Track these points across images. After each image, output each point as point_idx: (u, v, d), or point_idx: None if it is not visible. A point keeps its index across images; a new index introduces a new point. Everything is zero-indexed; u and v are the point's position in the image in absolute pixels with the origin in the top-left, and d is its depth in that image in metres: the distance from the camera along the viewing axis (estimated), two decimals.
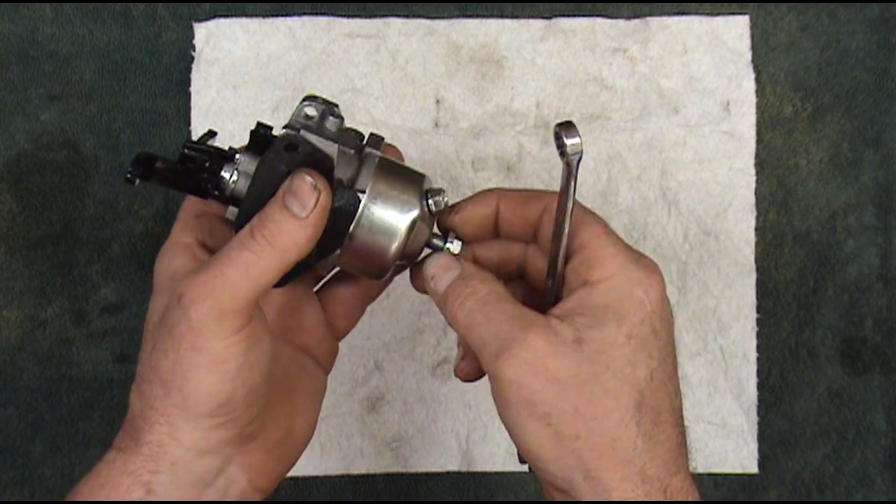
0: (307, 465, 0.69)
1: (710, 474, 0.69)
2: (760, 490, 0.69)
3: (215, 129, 0.47)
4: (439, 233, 0.49)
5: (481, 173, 0.69)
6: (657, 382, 0.42)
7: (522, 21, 0.70)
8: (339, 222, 0.44)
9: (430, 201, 0.47)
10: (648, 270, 0.43)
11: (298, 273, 0.44)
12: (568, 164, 0.43)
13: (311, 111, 0.45)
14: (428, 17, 0.70)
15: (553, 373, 0.41)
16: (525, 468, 0.69)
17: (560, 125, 0.42)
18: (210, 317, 0.40)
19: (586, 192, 0.69)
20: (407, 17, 0.70)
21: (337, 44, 0.70)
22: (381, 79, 0.69)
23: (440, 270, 0.47)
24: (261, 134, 0.45)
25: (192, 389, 0.41)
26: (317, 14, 0.70)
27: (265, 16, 0.70)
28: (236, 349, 0.41)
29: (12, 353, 0.69)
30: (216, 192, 0.45)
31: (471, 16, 0.70)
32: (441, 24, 0.70)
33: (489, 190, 0.49)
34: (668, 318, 0.44)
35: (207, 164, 0.44)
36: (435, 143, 0.69)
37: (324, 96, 0.46)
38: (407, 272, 0.50)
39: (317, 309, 0.51)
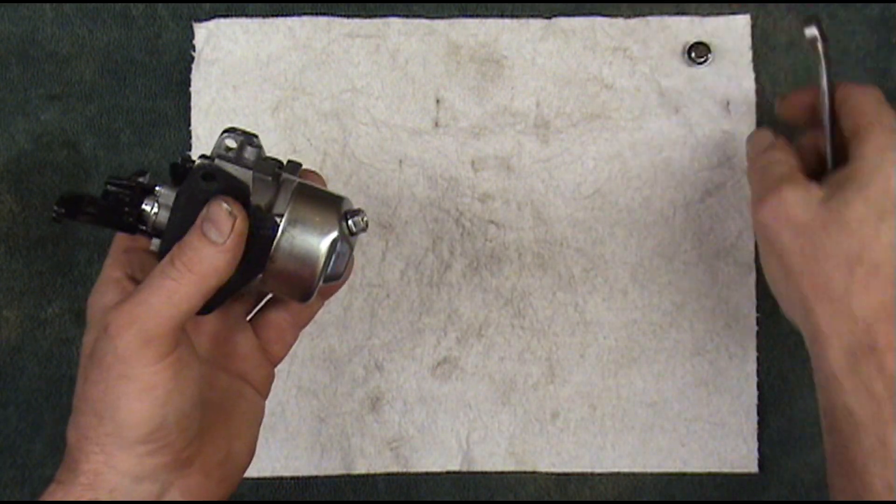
0: (307, 465, 0.69)
1: (709, 474, 0.69)
2: (760, 490, 0.69)
3: (145, 169, 0.49)
4: None
5: (481, 173, 0.69)
6: (884, 242, 0.47)
7: (522, 21, 0.70)
8: (259, 247, 0.45)
9: (350, 222, 0.48)
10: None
11: (223, 299, 0.45)
12: (813, 51, 0.53)
13: (230, 142, 0.47)
14: (428, 17, 0.70)
15: (793, 220, 0.50)
16: (525, 468, 0.69)
17: (804, 19, 0.55)
18: (136, 344, 0.42)
19: (586, 191, 0.69)
20: (407, 16, 0.70)
21: (337, 44, 0.70)
22: (381, 79, 0.69)
23: (761, 140, 0.58)
24: (178, 165, 0.47)
25: (124, 417, 0.42)
26: (317, 14, 0.70)
27: (265, 16, 0.70)
28: (164, 375, 0.42)
29: (12, 353, 0.69)
30: (141, 227, 0.46)
31: (471, 15, 0.70)
32: (441, 24, 0.70)
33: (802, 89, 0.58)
34: None
35: (129, 199, 0.46)
36: (435, 142, 0.69)
37: (243, 128, 0.48)
38: (340, 291, 0.53)
39: (250, 336, 0.52)
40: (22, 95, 0.69)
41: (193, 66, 0.69)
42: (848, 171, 0.50)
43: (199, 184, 0.45)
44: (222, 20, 0.69)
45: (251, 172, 0.45)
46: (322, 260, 0.47)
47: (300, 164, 0.49)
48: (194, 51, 0.69)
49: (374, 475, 0.69)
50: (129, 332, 0.41)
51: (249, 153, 0.47)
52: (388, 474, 0.69)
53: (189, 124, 0.69)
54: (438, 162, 0.69)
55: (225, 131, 0.48)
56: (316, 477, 0.69)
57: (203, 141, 0.69)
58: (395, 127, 0.69)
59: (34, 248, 0.69)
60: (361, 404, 0.69)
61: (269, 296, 0.55)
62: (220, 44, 0.69)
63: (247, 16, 0.70)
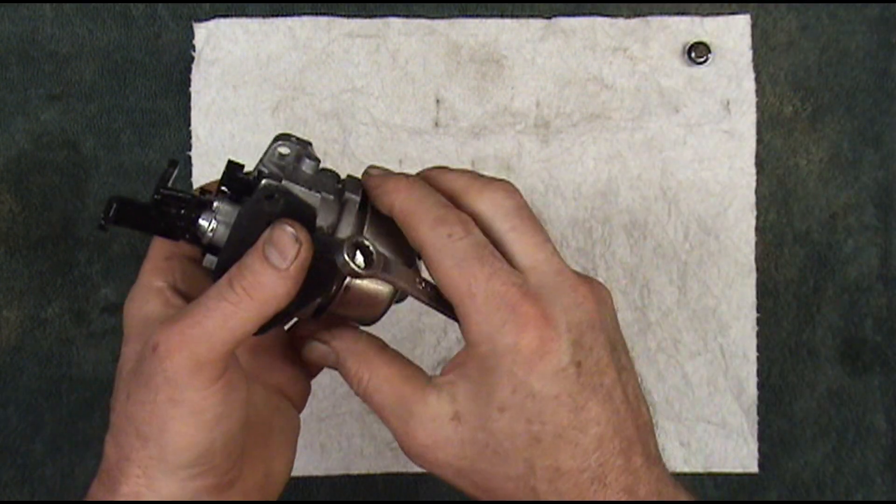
0: (307, 465, 0.69)
1: (709, 474, 0.69)
2: (760, 490, 0.69)
3: (176, 159, 0.46)
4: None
5: (481, 173, 0.69)
6: (549, 442, 0.41)
7: (522, 20, 0.70)
8: (323, 272, 0.43)
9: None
10: (520, 328, 0.41)
11: (277, 322, 0.43)
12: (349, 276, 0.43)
13: (284, 150, 0.45)
14: (428, 17, 0.70)
15: (443, 461, 0.43)
16: None
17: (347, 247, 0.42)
18: (187, 368, 0.40)
19: (586, 191, 0.69)
20: (407, 16, 0.70)
21: (337, 44, 0.70)
22: (381, 78, 0.69)
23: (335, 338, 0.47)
24: (237, 178, 0.44)
25: (170, 441, 0.41)
26: (317, 14, 0.70)
27: (265, 16, 0.70)
28: (214, 399, 0.41)
29: (12, 353, 0.69)
30: (187, 236, 0.44)
31: (471, 15, 0.70)
32: (441, 24, 0.70)
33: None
34: (551, 369, 0.41)
35: (184, 212, 0.44)
36: (435, 142, 0.69)
37: (297, 135, 0.46)
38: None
39: (287, 349, 0.50)
40: (22, 95, 0.69)
41: (193, 66, 0.69)
42: (466, 365, 0.42)
43: (264, 203, 0.42)
44: (222, 20, 0.69)
45: (318, 195, 0.43)
46: (392, 290, 0.45)
47: (359, 181, 0.46)
48: (194, 51, 0.69)
49: (374, 475, 0.69)
50: (180, 354, 0.40)
51: (307, 166, 0.44)
52: (388, 474, 0.69)
53: (189, 124, 0.69)
54: (438, 162, 0.69)
55: (278, 138, 0.45)
56: (316, 477, 0.69)
57: (203, 141, 0.69)
58: (395, 127, 0.69)
59: (34, 248, 0.69)
60: (361, 404, 0.69)
61: None
62: (220, 44, 0.69)
63: (247, 16, 0.70)
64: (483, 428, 0.41)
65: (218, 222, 0.44)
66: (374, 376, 0.44)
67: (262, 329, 0.42)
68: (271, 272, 0.41)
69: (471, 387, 0.42)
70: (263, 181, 0.43)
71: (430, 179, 0.45)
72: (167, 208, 0.43)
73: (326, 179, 0.45)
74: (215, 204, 0.44)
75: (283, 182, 0.43)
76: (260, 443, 0.46)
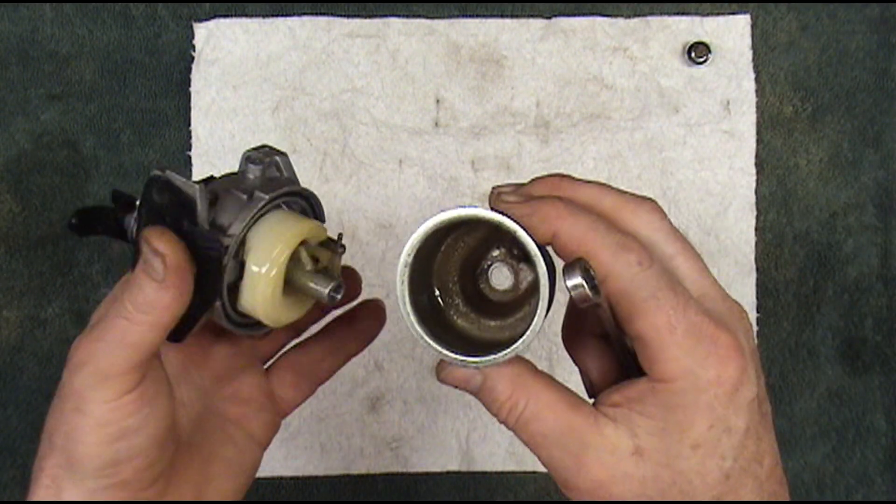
0: (307, 465, 0.69)
1: None
2: None
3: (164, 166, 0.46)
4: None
5: (481, 173, 0.69)
6: (736, 477, 0.39)
7: (522, 20, 0.70)
8: (211, 270, 0.41)
9: (305, 255, 0.43)
10: (722, 360, 0.38)
11: (188, 327, 0.42)
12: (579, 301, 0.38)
13: (253, 155, 0.45)
14: (428, 17, 0.70)
15: (619, 497, 0.39)
16: (525, 468, 0.69)
17: (564, 267, 0.38)
18: (91, 381, 0.40)
19: None
20: (407, 16, 0.70)
21: (337, 44, 0.69)
22: (381, 79, 0.69)
23: (461, 382, 0.42)
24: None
25: (74, 450, 0.40)
26: (317, 14, 0.70)
27: (265, 16, 0.69)
28: (121, 413, 0.40)
29: (12, 353, 0.69)
30: (126, 237, 0.45)
31: (471, 15, 0.70)
32: (441, 24, 0.70)
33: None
34: (745, 401, 0.39)
35: (113, 214, 0.45)
36: (435, 142, 0.69)
37: (271, 146, 0.46)
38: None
39: (258, 379, 0.49)
40: (22, 95, 0.69)
41: (193, 66, 0.69)
42: (652, 399, 0.39)
43: (154, 196, 0.42)
44: (222, 20, 0.69)
45: (197, 186, 0.41)
46: (260, 292, 0.42)
47: (285, 182, 0.44)
48: (194, 51, 0.69)
49: (374, 475, 0.69)
50: (86, 367, 0.40)
51: (251, 171, 0.44)
52: (388, 474, 0.69)
53: (189, 124, 0.69)
54: (438, 162, 0.69)
55: (252, 149, 0.45)
56: (316, 477, 0.69)
57: (203, 141, 0.69)
58: (395, 127, 0.69)
59: (34, 248, 0.69)
60: (361, 404, 0.69)
61: (293, 343, 0.51)
62: (220, 44, 0.69)
63: (247, 16, 0.70)
64: (669, 466, 0.38)
65: (137, 220, 0.44)
66: (534, 402, 0.40)
67: (175, 336, 0.42)
68: (153, 285, 0.40)
69: (654, 423, 0.38)
70: (152, 173, 0.43)
71: (568, 196, 0.41)
72: (99, 215, 0.45)
73: (268, 183, 0.44)
74: (137, 202, 0.44)
75: (167, 172, 0.42)
76: (195, 467, 0.45)
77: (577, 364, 0.45)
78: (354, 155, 0.69)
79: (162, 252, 0.40)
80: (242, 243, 0.42)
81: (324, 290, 0.42)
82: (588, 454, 0.39)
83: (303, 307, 0.45)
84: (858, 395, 0.70)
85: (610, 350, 0.44)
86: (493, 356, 0.39)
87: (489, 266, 0.44)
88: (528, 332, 0.38)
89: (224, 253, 0.41)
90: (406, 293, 0.39)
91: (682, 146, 0.69)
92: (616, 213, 0.41)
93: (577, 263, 0.37)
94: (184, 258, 0.40)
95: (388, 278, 0.69)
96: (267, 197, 0.42)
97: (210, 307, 0.42)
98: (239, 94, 0.69)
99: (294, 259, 0.42)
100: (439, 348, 0.39)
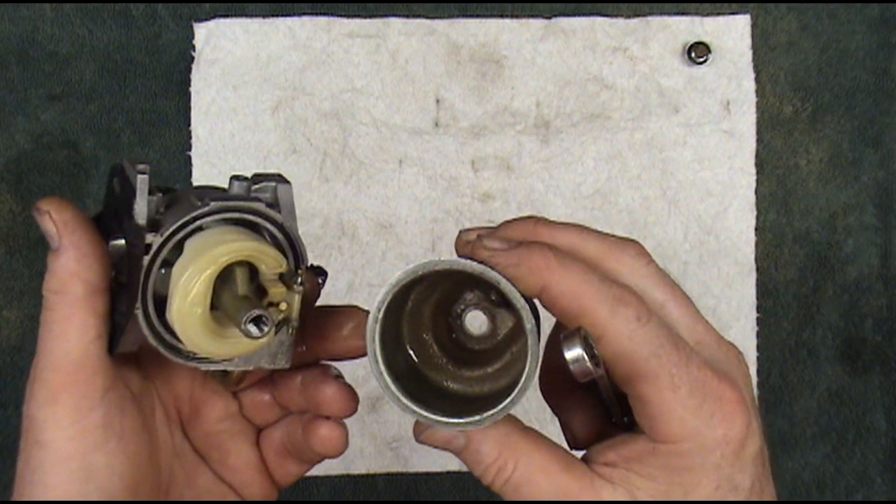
0: None
1: None
2: None
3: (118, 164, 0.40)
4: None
5: (481, 173, 0.69)
6: None
7: (522, 20, 0.70)
8: (134, 269, 0.37)
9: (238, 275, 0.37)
10: (728, 418, 0.36)
11: (119, 334, 0.37)
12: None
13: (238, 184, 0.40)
14: (428, 17, 0.70)
15: None
16: None
17: (563, 337, 0.35)
18: (42, 399, 0.36)
19: (586, 191, 0.69)
20: (407, 16, 0.70)
21: (337, 44, 0.70)
22: (381, 79, 0.69)
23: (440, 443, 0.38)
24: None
25: (38, 495, 0.36)
26: (317, 14, 0.70)
27: (265, 16, 0.69)
28: (82, 444, 0.36)
29: (12, 353, 0.69)
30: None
31: (471, 15, 0.70)
32: (441, 24, 0.70)
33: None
34: (750, 457, 0.36)
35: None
36: (435, 142, 0.69)
37: (271, 172, 0.41)
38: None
39: (248, 452, 0.43)
40: (22, 95, 0.69)
41: (193, 66, 0.69)
42: (652, 460, 0.36)
43: (113, 183, 0.38)
44: (222, 20, 0.69)
45: (139, 177, 0.36)
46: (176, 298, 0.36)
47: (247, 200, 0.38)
48: (194, 51, 0.69)
49: (374, 475, 0.69)
50: (36, 384, 0.37)
51: (235, 188, 0.39)
52: (388, 474, 0.69)
53: (189, 124, 0.69)
54: (438, 162, 0.69)
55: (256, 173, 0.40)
56: (316, 477, 0.69)
57: (203, 141, 0.69)
58: (395, 127, 0.69)
59: (34, 248, 0.69)
60: (361, 404, 0.69)
61: (281, 419, 0.44)
62: (220, 44, 0.69)
63: (247, 16, 0.70)
64: None
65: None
66: (525, 465, 0.36)
67: (112, 347, 0.37)
68: (54, 258, 0.36)
69: (656, 486, 0.36)
70: (115, 162, 0.39)
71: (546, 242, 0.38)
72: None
73: (238, 190, 0.39)
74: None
75: (124, 160, 0.38)
76: None
77: (557, 415, 0.42)
78: (354, 155, 0.69)
79: (45, 209, 0.36)
80: (180, 252, 0.36)
81: (240, 315, 0.35)
82: None
83: (242, 343, 0.37)
84: (858, 395, 0.70)
85: (594, 401, 0.41)
86: (476, 418, 0.35)
87: (462, 311, 0.40)
88: (515, 392, 0.35)
89: (145, 251, 0.36)
90: (378, 351, 0.36)
91: (682, 146, 0.69)
92: (600, 260, 0.38)
93: (576, 333, 0.34)
94: (74, 213, 0.36)
95: (388, 278, 0.69)
96: (217, 204, 0.37)
97: (131, 313, 0.36)
98: (239, 94, 0.69)
99: (227, 279, 0.36)
100: (417, 409, 0.36)
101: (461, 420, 0.36)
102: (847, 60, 0.70)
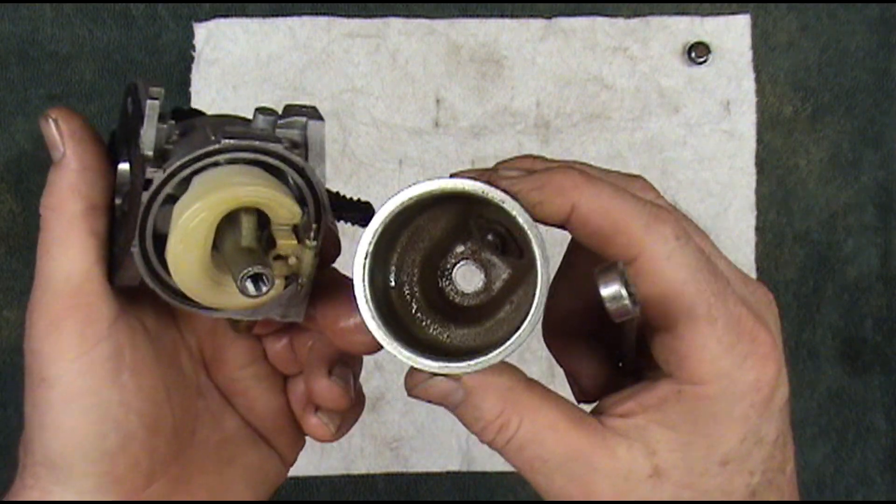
0: (307, 465, 0.69)
1: None
2: None
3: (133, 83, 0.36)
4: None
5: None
6: (761, 493, 0.33)
7: (522, 21, 0.70)
8: (133, 202, 0.33)
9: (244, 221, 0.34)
10: (762, 362, 0.33)
11: (119, 261, 0.34)
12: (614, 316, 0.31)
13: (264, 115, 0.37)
14: (428, 17, 0.70)
15: None
16: None
17: (598, 271, 0.31)
18: (44, 328, 0.34)
19: None
20: (407, 16, 0.70)
21: (337, 44, 0.70)
22: (381, 78, 0.69)
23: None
24: (180, 111, 0.38)
25: (51, 438, 0.33)
26: (317, 14, 0.70)
27: (265, 16, 0.69)
28: (93, 376, 0.33)
29: (12, 353, 0.69)
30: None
31: (471, 15, 0.70)
32: (441, 24, 0.70)
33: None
34: (778, 407, 0.34)
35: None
36: (435, 142, 0.69)
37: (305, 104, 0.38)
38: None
39: (275, 399, 0.40)
40: (22, 95, 0.69)
41: (193, 66, 0.69)
42: (677, 408, 0.32)
43: (127, 104, 0.35)
44: (222, 20, 0.69)
45: (148, 102, 0.32)
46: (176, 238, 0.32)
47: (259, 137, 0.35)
48: (194, 51, 0.69)
49: (374, 475, 0.69)
50: (33, 315, 0.34)
51: (260, 121, 0.36)
52: (388, 474, 0.69)
53: None
54: (438, 162, 0.69)
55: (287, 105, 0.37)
56: (316, 477, 0.69)
57: None
58: (395, 127, 0.69)
59: (34, 248, 0.69)
60: None
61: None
62: (220, 44, 0.69)
63: (247, 16, 0.70)
64: (692, 486, 0.32)
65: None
66: (529, 421, 0.33)
67: (112, 277, 0.34)
68: (55, 171, 0.34)
69: (677, 437, 0.32)
70: (129, 81, 0.36)
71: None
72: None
73: (263, 125, 0.36)
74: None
75: (138, 79, 0.35)
76: (210, 470, 0.38)
77: (563, 367, 0.39)
78: (354, 155, 0.69)
79: (53, 116, 0.34)
80: (187, 184, 0.33)
81: (237, 270, 0.31)
82: (598, 481, 0.32)
83: (240, 298, 0.33)
84: (858, 395, 0.70)
85: (602, 351, 0.38)
86: (480, 359, 0.32)
87: (454, 266, 0.37)
88: (524, 325, 0.31)
89: (146, 185, 0.32)
90: (366, 290, 0.32)
91: (683, 146, 0.69)
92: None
93: (613, 268, 0.30)
94: (82, 125, 0.34)
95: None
96: (229, 143, 0.33)
97: (128, 248, 0.33)
98: (239, 94, 0.69)
99: (234, 224, 0.33)
100: (409, 354, 0.32)
101: (461, 363, 0.32)
102: (847, 60, 0.70)
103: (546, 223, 0.32)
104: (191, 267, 0.32)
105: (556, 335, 0.38)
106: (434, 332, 0.36)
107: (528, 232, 0.32)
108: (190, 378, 0.38)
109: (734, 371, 0.32)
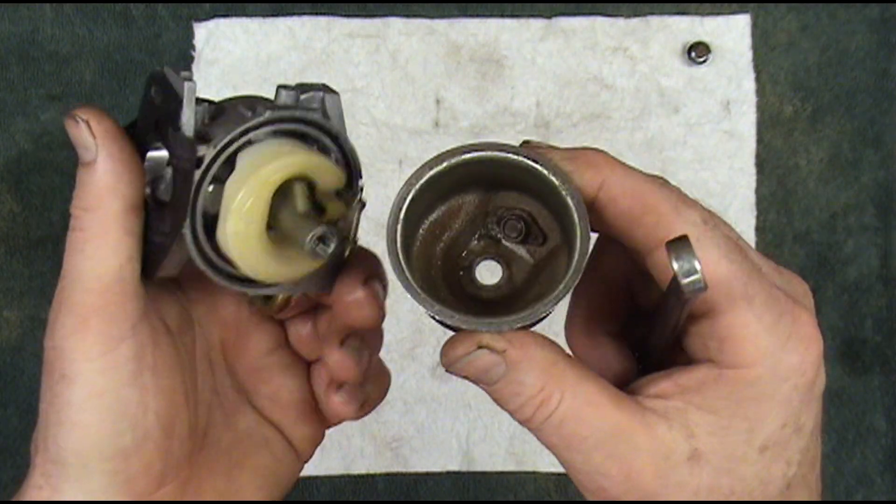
0: (307, 465, 0.68)
1: None
2: None
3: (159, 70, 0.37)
4: None
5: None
6: (795, 487, 0.33)
7: (522, 20, 0.70)
8: (181, 184, 0.33)
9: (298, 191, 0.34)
10: (805, 343, 0.32)
11: (163, 254, 0.34)
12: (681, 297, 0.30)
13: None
14: (428, 17, 0.70)
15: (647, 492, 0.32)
16: (525, 468, 0.69)
17: (671, 243, 0.30)
18: (70, 326, 0.33)
19: None
20: (407, 17, 0.70)
21: (337, 44, 0.70)
22: (381, 79, 0.69)
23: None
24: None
25: (67, 435, 0.33)
26: (317, 14, 0.70)
27: (265, 16, 0.69)
28: (114, 375, 0.33)
29: (12, 353, 0.69)
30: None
31: (471, 15, 0.70)
32: (441, 24, 0.70)
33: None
34: (818, 395, 0.33)
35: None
36: (435, 142, 0.69)
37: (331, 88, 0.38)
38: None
39: (299, 385, 0.40)
40: (22, 95, 0.69)
41: (193, 66, 0.69)
42: (717, 391, 0.32)
43: (151, 92, 0.35)
44: (222, 20, 0.69)
45: (185, 84, 0.33)
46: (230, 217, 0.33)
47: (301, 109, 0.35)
48: (194, 51, 0.69)
49: (374, 475, 0.69)
50: (62, 311, 0.33)
51: (284, 97, 0.36)
52: (388, 474, 0.69)
53: None
54: None
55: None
56: (316, 477, 0.69)
57: None
58: (395, 127, 0.69)
59: (34, 248, 0.69)
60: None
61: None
62: (220, 44, 0.69)
63: (247, 16, 0.70)
64: (731, 472, 0.31)
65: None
66: (570, 397, 0.32)
67: (146, 271, 0.35)
68: (87, 172, 0.34)
69: (717, 420, 0.31)
70: (153, 69, 0.37)
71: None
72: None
73: (293, 103, 0.36)
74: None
75: (165, 67, 0.35)
76: (220, 471, 0.38)
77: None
78: None
79: (84, 117, 0.34)
80: (231, 166, 0.33)
81: (305, 235, 0.33)
82: (638, 459, 0.32)
83: (301, 263, 0.35)
84: (858, 395, 0.70)
85: (625, 350, 0.37)
86: (525, 312, 0.31)
87: (473, 261, 0.36)
88: (570, 272, 0.31)
89: (196, 165, 0.33)
90: (400, 250, 0.33)
91: (683, 146, 0.69)
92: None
93: (686, 241, 0.29)
94: (113, 124, 0.34)
95: (389, 278, 0.69)
96: (273, 114, 0.34)
97: (178, 233, 0.33)
98: (239, 93, 0.69)
99: (285, 195, 0.34)
100: (450, 311, 0.32)
101: (506, 318, 0.31)
102: (847, 60, 0.70)
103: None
104: (254, 242, 0.33)
105: (579, 334, 0.38)
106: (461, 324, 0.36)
107: (562, 189, 0.31)
108: (206, 376, 0.38)
109: (777, 351, 0.31)
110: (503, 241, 0.35)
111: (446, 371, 0.34)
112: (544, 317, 0.32)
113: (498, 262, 0.36)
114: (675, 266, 0.28)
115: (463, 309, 0.34)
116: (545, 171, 0.32)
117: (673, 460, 0.32)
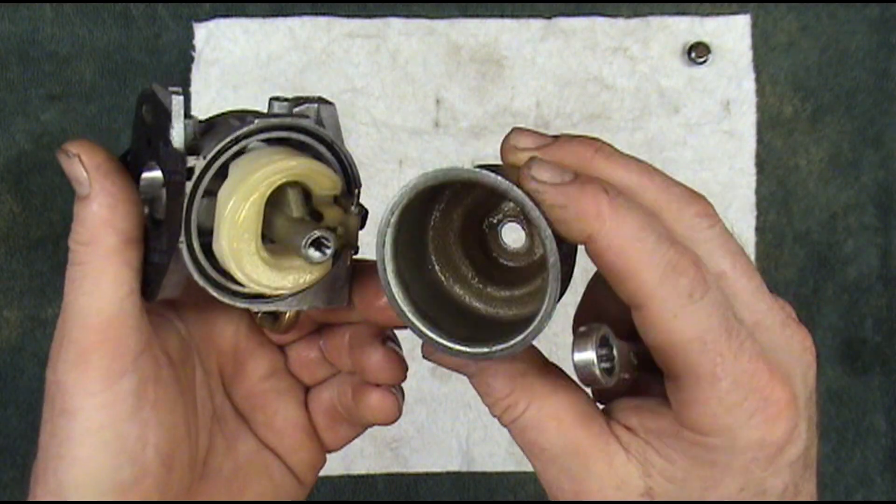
0: None
1: None
2: None
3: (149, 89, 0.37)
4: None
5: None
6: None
7: (522, 21, 0.70)
8: (174, 198, 0.33)
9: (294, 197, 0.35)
10: (770, 420, 0.31)
11: (159, 276, 0.34)
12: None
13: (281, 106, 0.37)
14: (428, 17, 0.70)
15: None
16: (525, 468, 0.69)
17: (576, 333, 0.31)
18: (71, 361, 0.33)
19: None
20: (407, 17, 0.70)
21: (337, 44, 0.70)
22: (381, 79, 0.69)
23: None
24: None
25: (66, 469, 0.33)
26: (317, 14, 0.70)
27: (265, 16, 0.69)
28: (114, 410, 0.33)
29: (12, 353, 0.69)
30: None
31: (471, 16, 0.70)
32: (441, 24, 0.70)
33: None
34: (787, 462, 0.32)
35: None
36: (435, 143, 0.69)
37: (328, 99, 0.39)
38: None
39: (295, 412, 0.40)
40: (22, 95, 0.69)
41: (193, 66, 0.69)
42: (679, 442, 0.31)
43: (143, 111, 0.36)
44: (222, 20, 0.69)
45: (173, 97, 0.33)
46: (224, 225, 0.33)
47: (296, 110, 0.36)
48: (194, 51, 0.69)
49: (374, 475, 0.69)
50: (63, 345, 0.33)
51: (276, 107, 0.36)
52: (388, 474, 0.69)
53: None
54: (438, 162, 0.69)
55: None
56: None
57: None
58: (395, 127, 0.69)
59: (34, 248, 0.69)
60: None
61: (331, 377, 0.40)
62: (220, 44, 0.69)
63: (247, 16, 0.70)
64: None
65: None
66: (536, 408, 0.33)
67: (147, 293, 0.34)
68: (84, 207, 0.35)
69: (674, 470, 0.31)
70: (142, 88, 0.36)
71: (604, 178, 0.34)
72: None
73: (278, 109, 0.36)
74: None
75: (154, 85, 0.35)
76: (219, 500, 0.38)
77: None
78: (354, 155, 0.69)
79: (74, 152, 0.34)
80: (224, 178, 0.33)
81: (300, 239, 0.32)
82: (589, 483, 0.32)
83: (301, 272, 0.34)
84: (858, 396, 0.70)
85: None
86: (485, 350, 0.32)
87: (499, 221, 0.36)
88: (528, 330, 0.31)
89: (187, 177, 0.32)
90: (388, 257, 0.32)
91: (683, 146, 0.69)
92: (658, 210, 0.34)
93: (592, 333, 0.30)
94: (106, 157, 0.35)
95: None
96: (262, 122, 0.34)
97: (174, 248, 0.33)
98: (239, 94, 0.69)
99: (280, 203, 0.33)
100: (425, 330, 0.32)
101: (469, 349, 0.32)
102: (847, 60, 0.70)
103: (563, 240, 0.31)
104: (248, 251, 0.33)
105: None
106: (470, 293, 0.36)
107: (546, 244, 0.31)
108: (205, 404, 0.38)
109: (736, 428, 0.31)
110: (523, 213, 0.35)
111: (424, 359, 0.35)
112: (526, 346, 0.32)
113: (522, 228, 0.36)
114: (573, 357, 0.30)
115: (479, 274, 0.35)
116: (532, 215, 0.31)
117: (625, 492, 0.32)
